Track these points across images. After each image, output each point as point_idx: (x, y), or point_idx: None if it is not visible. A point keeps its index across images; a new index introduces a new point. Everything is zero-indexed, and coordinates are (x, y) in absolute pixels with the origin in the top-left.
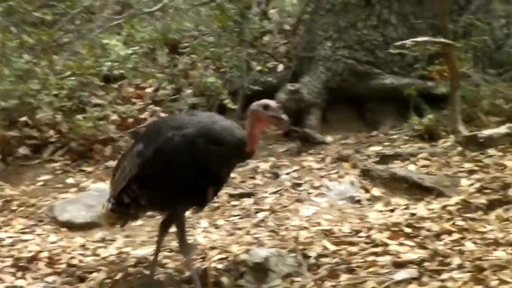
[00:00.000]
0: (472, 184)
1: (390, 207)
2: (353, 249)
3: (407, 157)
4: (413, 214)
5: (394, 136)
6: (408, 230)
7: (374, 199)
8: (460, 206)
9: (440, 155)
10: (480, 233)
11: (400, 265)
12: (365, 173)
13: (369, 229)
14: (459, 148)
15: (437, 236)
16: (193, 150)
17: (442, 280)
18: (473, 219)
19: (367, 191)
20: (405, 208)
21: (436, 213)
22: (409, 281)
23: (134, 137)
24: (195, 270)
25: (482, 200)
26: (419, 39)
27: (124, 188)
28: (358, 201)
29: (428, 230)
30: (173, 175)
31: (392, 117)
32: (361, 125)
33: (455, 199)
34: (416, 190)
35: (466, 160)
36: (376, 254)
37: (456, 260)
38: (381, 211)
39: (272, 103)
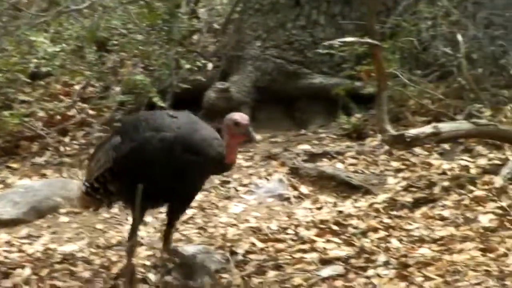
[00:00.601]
0: (398, 183)
1: (318, 205)
2: (281, 246)
3: (335, 156)
4: (340, 212)
5: (323, 135)
6: (335, 227)
7: (302, 197)
8: (386, 204)
9: (367, 153)
10: (406, 230)
11: (326, 261)
12: (294, 171)
13: (297, 226)
14: (386, 147)
15: (364, 233)
16: (169, 156)
17: (368, 277)
18: (399, 217)
19: (295, 189)
20: (333, 206)
21: (363, 211)
22: (335, 277)
23: (116, 126)
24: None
25: (408, 198)
26: (347, 39)
27: (97, 176)
28: (287, 199)
29: (355, 228)
30: (145, 176)
31: (321, 116)
32: (290, 124)
33: (382, 197)
34: (343, 188)
35: (393, 159)
36: (303, 251)
37: (382, 257)
38: (309, 208)
39: (241, 119)
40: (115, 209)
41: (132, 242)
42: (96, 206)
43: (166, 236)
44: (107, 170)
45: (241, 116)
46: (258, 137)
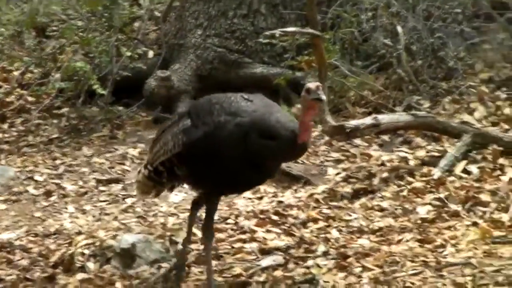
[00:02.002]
0: (338, 173)
1: (258, 195)
2: (221, 235)
3: None
4: (280, 202)
5: None
6: (275, 217)
7: None
8: (326, 195)
9: None
10: (345, 221)
11: (266, 252)
12: None
13: (237, 216)
14: (327, 138)
15: (304, 223)
16: (244, 142)
17: (307, 267)
18: (338, 208)
19: None
20: (273, 196)
21: (303, 201)
22: (275, 267)
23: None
24: (211, 262)
25: (348, 189)
26: (288, 29)
27: (164, 160)
28: None
29: (295, 218)
30: (219, 162)
31: None
32: None
33: (322, 187)
34: (284, 178)
35: (333, 150)
36: (243, 241)
37: (321, 247)
38: (249, 198)
39: (311, 85)
40: (53, 197)
41: (208, 235)
42: (156, 191)
43: (207, 222)
44: (176, 155)
45: (311, 83)
46: (324, 97)
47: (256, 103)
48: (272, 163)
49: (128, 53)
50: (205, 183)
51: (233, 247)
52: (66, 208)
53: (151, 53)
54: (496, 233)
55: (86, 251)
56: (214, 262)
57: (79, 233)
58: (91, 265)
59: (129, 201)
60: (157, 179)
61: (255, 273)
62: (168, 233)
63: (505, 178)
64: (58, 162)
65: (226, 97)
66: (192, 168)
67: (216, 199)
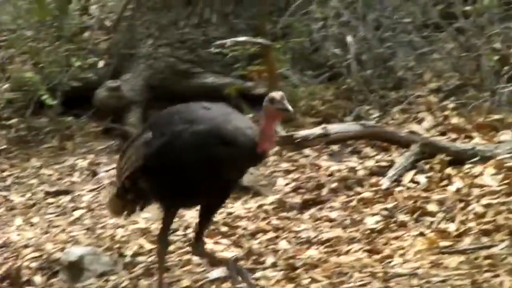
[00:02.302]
0: (287, 184)
1: None
2: (170, 247)
3: None
4: (230, 213)
5: None
6: (224, 229)
7: None
8: (275, 206)
9: None
10: (294, 232)
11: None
12: None
13: (186, 227)
14: (276, 148)
15: (253, 235)
16: (202, 150)
17: (256, 279)
18: (288, 218)
19: None
20: (223, 207)
21: (252, 212)
22: (223, 279)
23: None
24: (162, 273)
25: (297, 199)
26: (239, 39)
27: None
28: None
29: (244, 229)
30: (178, 172)
31: None
32: None
33: (271, 198)
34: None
35: (282, 160)
36: (192, 253)
37: (270, 259)
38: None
39: (276, 94)
40: (1, 209)
41: (162, 244)
42: (129, 210)
43: (198, 236)
44: (138, 168)
45: (274, 92)
46: (290, 107)
47: (214, 111)
48: (231, 171)
49: (78, 63)
50: (166, 194)
51: (181, 259)
52: (14, 221)
53: (101, 63)
54: (443, 243)
55: (33, 264)
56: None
57: (26, 246)
58: (38, 278)
59: (77, 213)
60: (126, 196)
61: (203, 285)
62: (117, 246)
63: (452, 188)
64: (6, 173)
65: (186, 106)
66: (153, 180)
67: (174, 210)
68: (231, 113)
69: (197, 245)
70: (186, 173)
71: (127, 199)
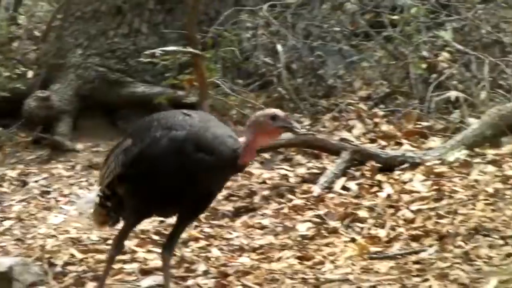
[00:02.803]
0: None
1: None
2: (101, 257)
3: None
4: (162, 221)
5: None
6: (156, 237)
7: None
8: (208, 213)
9: None
10: (226, 239)
11: (147, 272)
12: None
13: None
14: None
15: (185, 243)
16: (179, 156)
17: (188, 286)
18: (220, 226)
19: None
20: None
21: None
22: None
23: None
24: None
25: (229, 207)
26: (169, 48)
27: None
28: None
29: None
30: (156, 180)
31: None
32: (113, 133)
33: None
34: None
35: None
36: (123, 261)
37: (202, 267)
38: None
39: (279, 112)
40: None
41: (118, 248)
42: (113, 220)
43: (169, 242)
44: (117, 176)
45: (276, 110)
46: (298, 125)
47: (194, 118)
48: (208, 180)
49: (7, 73)
50: (141, 201)
51: (113, 268)
52: None
53: (30, 73)
54: (373, 248)
55: None
56: (92, 284)
57: None
58: None
59: (7, 223)
60: (107, 205)
61: None
62: (47, 255)
63: (382, 194)
64: None
65: (166, 113)
66: (129, 187)
67: (142, 219)
68: (211, 120)
69: (166, 252)
70: (163, 180)
71: (107, 207)
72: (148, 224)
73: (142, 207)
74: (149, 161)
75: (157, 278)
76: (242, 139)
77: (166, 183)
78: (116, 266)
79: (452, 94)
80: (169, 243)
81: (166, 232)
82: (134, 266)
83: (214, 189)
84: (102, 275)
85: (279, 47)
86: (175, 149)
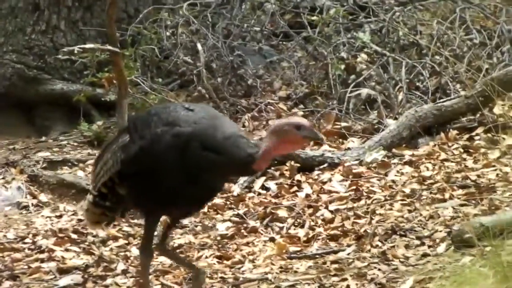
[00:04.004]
0: None
1: (58, 213)
2: (18, 255)
3: (76, 163)
4: (80, 220)
5: (64, 142)
6: (74, 236)
7: (41, 205)
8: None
9: None
10: None
11: (65, 271)
12: (33, 179)
13: (35, 235)
14: None
15: (104, 242)
16: (184, 154)
17: (106, 286)
18: (139, 225)
19: (34, 197)
20: (73, 214)
21: None
22: (73, 287)
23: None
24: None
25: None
26: (87, 46)
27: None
28: (25, 207)
29: (95, 236)
30: (158, 177)
31: (62, 123)
32: (30, 131)
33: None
34: (84, 196)
35: None
36: (41, 260)
37: (121, 265)
38: (48, 217)
39: (304, 122)
40: None
41: (147, 254)
42: (109, 219)
43: (165, 235)
44: (115, 174)
45: (301, 119)
46: (322, 136)
47: (198, 113)
48: (213, 179)
49: None
50: (145, 200)
51: (30, 267)
52: None
53: None
54: (293, 248)
55: None
56: (9, 283)
57: None
58: None
59: None
60: (103, 204)
61: None
62: None
63: (301, 194)
64: None
65: (165, 107)
66: (132, 186)
67: (156, 218)
68: (217, 117)
69: (161, 245)
70: (166, 179)
71: (105, 206)
72: (67, 222)
73: (150, 206)
74: (150, 159)
75: (75, 277)
76: (261, 144)
77: (168, 181)
78: (34, 265)
79: (364, 91)
80: (163, 240)
81: (85, 231)
82: (52, 265)
83: (217, 186)
84: (143, 284)
85: (199, 46)
86: (178, 147)
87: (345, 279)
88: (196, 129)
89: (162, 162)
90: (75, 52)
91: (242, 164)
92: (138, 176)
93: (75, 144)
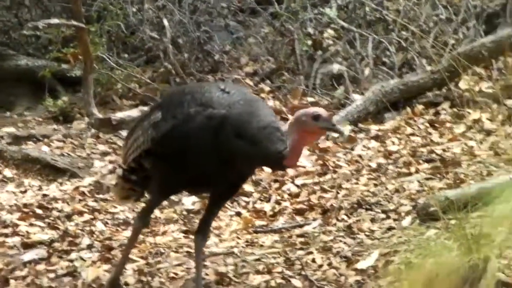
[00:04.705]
0: (105, 166)
1: (22, 188)
2: None
3: (41, 139)
4: (45, 195)
5: (29, 118)
6: (39, 211)
7: (6, 180)
8: (92, 188)
9: (74, 137)
10: (111, 213)
11: (29, 245)
12: None
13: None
14: (93, 130)
15: (69, 216)
16: (216, 137)
17: (71, 260)
18: (104, 200)
19: None
20: (38, 189)
21: (68, 194)
22: (37, 261)
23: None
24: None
25: (114, 181)
26: (52, 21)
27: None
28: None
29: (60, 211)
30: (187, 158)
31: (27, 98)
32: None
33: (88, 180)
34: (49, 171)
35: (100, 142)
36: (5, 235)
37: (86, 240)
38: (12, 192)
39: (322, 111)
40: None
41: (143, 222)
42: (137, 194)
43: (203, 226)
44: (145, 151)
45: (319, 109)
46: (341, 129)
47: (233, 96)
48: (243, 167)
49: None
50: (170, 179)
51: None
52: None
53: None
54: (258, 222)
55: None
56: None
57: None
58: None
59: None
60: (132, 178)
61: (16, 268)
62: None
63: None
64: None
65: (200, 86)
66: (158, 163)
67: (168, 196)
68: (253, 100)
69: (199, 236)
70: (193, 160)
71: (132, 180)
72: (31, 197)
73: (170, 183)
74: (181, 139)
75: (40, 252)
76: (288, 140)
77: (197, 163)
78: None
79: (335, 67)
80: (202, 227)
81: (49, 206)
82: (16, 239)
83: (247, 173)
84: (125, 249)
85: (165, 22)
86: (211, 129)
87: (311, 253)
88: (230, 113)
89: (193, 143)
90: (40, 27)
91: (273, 160)
92: (167, 155)
93: (40, 119)
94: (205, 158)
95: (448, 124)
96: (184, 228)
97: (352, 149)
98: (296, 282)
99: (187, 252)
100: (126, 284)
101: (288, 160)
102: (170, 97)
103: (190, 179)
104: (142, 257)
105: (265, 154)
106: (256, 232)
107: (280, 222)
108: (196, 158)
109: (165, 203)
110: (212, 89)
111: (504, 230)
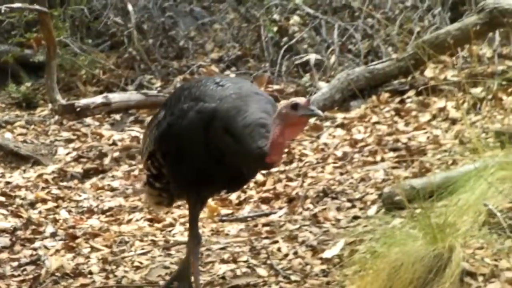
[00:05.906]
0: (69, 153)
1: None
2: None
3: (4, 125)
4: (8, 183)
5: None
6: (2, 198)
7: None
8: (56, 175)
9: (37, 123)
10: (75, 201)
11: None
12: None
13: None
14: (57, 117)
15: (32, 204)
16: (207, 132)
17: (35, 248)
18: (68, 188)
19: None
20: (1, 177)
21: (31, 182)
22: (0, 250)
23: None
24: (197, 266)
25: (78, 169)
26: (14, 5)
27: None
28: None
29: (23, 199)
30: (184, 156)
31: None
32: None
33: (52, 167)
34: (12, 158)
35: (63, 129)
36: None
37: (49, 228)
38: None
39: (299, 100)
40: None
41: (195, 239)
42: (167, 200)
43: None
44: (153, 153)
45: (296, 98)
46: (321, 113)
47: (227, 89)
48: (237, 164)
49: None
50: (179, 181)
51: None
52: None
53: None
54: (224, 211)
55: None
56: None
57: None
58: None
59: None
60: (155, 185)
61: None
62: None
63: None
64: None
65: (198, 81)
66: (167, 166)
67: (196, 199)
68: (249, 95)
69: (194, 240)
70: (191, 157)
71: (157, 187)
72: None
73: (188, 187)
74: (176, 136)
75: (3, 240)
76: (269, 136)
77: (193, 160)
78: None
79: (312, 57)
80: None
81: (12, 194)
82: None
83: (245, 173)
84: (194, 273)
85: (129, 7)
86: (202, 124)
87: (276, 242)
88: (220, 107)
89: (186, 139)
90: (2, 11)
91: (255, 157)
92: (169, 154)
93: (3, 105)
94: (201, 154)
95: (413, 113)
96: (149, 216)
97: (318, 137)
98: (261, 271)
99: (152, 241)
100: (90, 272)
101: (271, 156)
102: (174, 93)
103: (196, 178)
104: (106, 246)
105: (247, 151)
106: (221, 221)
107: (246, 210)
108: (192, 154)
109: (129, 191)
110: (208, 82)
111: (468, 220)
